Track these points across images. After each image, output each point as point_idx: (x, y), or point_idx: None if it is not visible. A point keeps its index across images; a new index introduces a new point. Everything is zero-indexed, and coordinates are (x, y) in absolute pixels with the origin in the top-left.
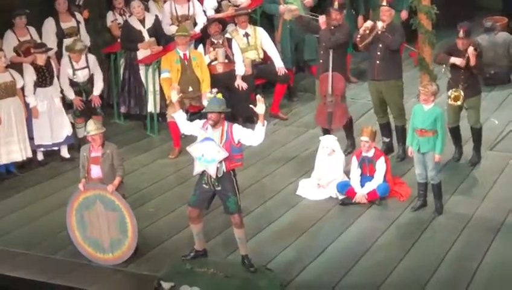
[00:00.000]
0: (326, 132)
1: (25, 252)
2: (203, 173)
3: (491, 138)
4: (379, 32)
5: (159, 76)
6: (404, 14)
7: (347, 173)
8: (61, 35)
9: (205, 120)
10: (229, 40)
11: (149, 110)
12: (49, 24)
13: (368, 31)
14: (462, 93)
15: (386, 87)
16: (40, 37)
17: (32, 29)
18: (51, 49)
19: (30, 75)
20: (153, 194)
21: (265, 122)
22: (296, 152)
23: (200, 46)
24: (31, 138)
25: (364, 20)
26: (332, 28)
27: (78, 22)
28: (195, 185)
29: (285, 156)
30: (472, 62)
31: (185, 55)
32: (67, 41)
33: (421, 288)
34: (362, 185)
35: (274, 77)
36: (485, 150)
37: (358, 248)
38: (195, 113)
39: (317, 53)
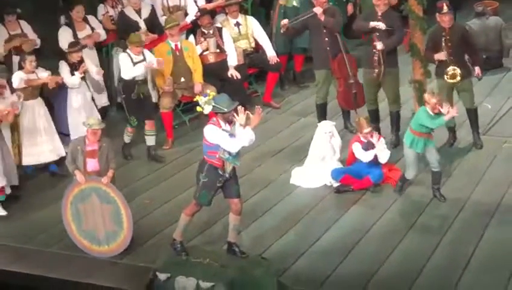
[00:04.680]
0: (323, 116)
1: (21, 245)
2: (217, 171)
3: (484, 123)
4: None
5: None
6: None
7: (342, 161)
8: None
9: (214, 122)
10: (220, 30)
11: None
12: (66, 33)
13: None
14: (458, 71)
15: (385, 74)
16: (38, 34)
17: (24, 23)
18: (85, 47)
19: (66, 70)
20: (147, 186)
21: (248, 128)
22: (289, 141)
23: (191, 37)
24: (67, 135)
25: (354, 7)
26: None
27: (92, 29)
28: (206, 186)
29: (278, 145)
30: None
31: (176, 46)
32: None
33: (417, 274)
34: (367, 170)
35: (266, 65)
36: (480, 134)
37: (353, 236)
38: (188, 103)
39: (316, 43)
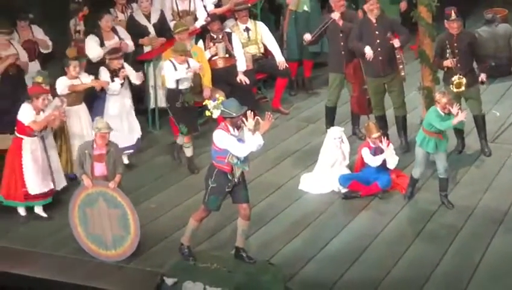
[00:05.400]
0: (332, 120)
1: (29, 249)
2: (226, 176)
3: (492, 130)
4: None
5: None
6: (403, 5)
7: (350, 167)
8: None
9: (223, 127)
10: (229, 35)
11: (151, 106)
12: (93, 42)
13: None
14: (464, 80)
15: (391, 80)
16: (50, 38)
17: (35, 28)
18: (125, 53)
19: (106, 76)
20: (155, 190)
21: (258, 134)
22: (297, 146)
23: (200, 42)
24: None
25: (363, 14)
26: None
27: (121, 39)
28: (215, 191)
29: (286, 151)
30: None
31: None
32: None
33: (424, 281)
34: (375, 176)
35: (275, 71)
36: (488, 141)
37: (361, 242)
38: (197, 107)
39: (333, 46)
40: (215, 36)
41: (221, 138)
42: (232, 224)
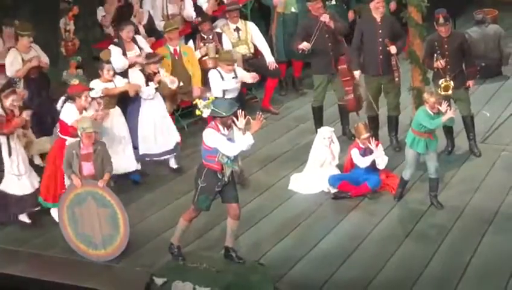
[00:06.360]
0: (320, 119)
1: (17, 249)
2: (216, 175)
3: (482, 131)
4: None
5: None
6: (393, 6)
7: (340, 167)
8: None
9: (213, 126)
10: (219, 35)
11: None
12: (117, 53)
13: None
14: (451, 83)
15: (388, 80)
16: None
17: None
18: (163, 58)
19: (141, 80)
20: (145, 190)
21: (248, 134)
22: (287, 146)
23: (191, 42)
24: (136, 148)
25: (354, 14)
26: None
27: (141, 49)
28: (205, 191)
29: (276, 151)
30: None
31: (175, 50)
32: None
33: (414, 281)
34: (365, 177)
35: (265, 71)
36: (477, 142)
37: (350, 242)
38: (186, 107)
39: (319, 48)
40: (205, 36)
41: (212, 137)
42: (221, 224)
